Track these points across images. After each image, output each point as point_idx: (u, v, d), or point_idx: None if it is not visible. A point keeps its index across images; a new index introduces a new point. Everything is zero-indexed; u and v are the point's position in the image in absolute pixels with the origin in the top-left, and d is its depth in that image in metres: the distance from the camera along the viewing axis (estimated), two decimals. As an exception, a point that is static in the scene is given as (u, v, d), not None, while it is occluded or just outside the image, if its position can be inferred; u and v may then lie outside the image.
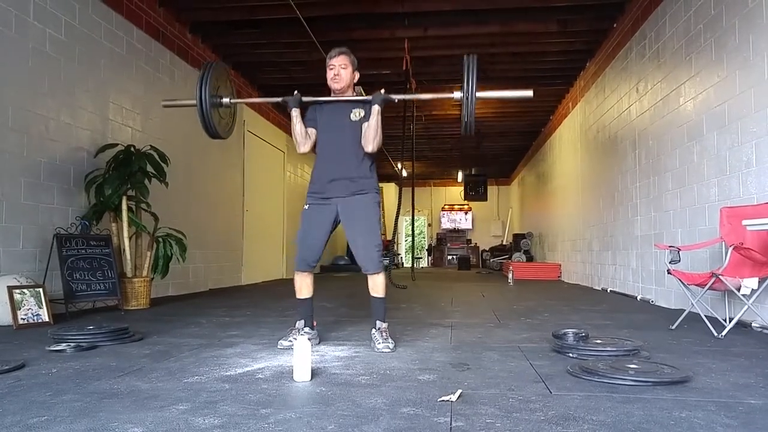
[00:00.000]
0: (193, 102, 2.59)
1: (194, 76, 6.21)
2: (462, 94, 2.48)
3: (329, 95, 2.75)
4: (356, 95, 2.77)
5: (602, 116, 6.56)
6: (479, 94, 2.49)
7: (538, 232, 11.76)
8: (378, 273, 2.64)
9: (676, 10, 4.45)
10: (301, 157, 10.44)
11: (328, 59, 2.68)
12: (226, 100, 2.75)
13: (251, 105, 7.87)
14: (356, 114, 2.67)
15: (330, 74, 2.68)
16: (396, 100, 2.70)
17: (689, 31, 4.21)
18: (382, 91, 2.62)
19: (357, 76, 2.74)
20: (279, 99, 2.71)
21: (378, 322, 2.66)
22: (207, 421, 1.49)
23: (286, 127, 9.62)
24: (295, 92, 2.67)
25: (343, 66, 2.66)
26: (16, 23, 3.72)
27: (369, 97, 2.64)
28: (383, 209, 13.31)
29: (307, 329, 2.72)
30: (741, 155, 3.50)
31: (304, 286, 2.74)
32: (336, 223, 2.72)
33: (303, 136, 2.68)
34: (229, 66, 7.05)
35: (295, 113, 2.64)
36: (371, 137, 2.61)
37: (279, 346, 2.59)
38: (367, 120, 2.64)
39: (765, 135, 3.25)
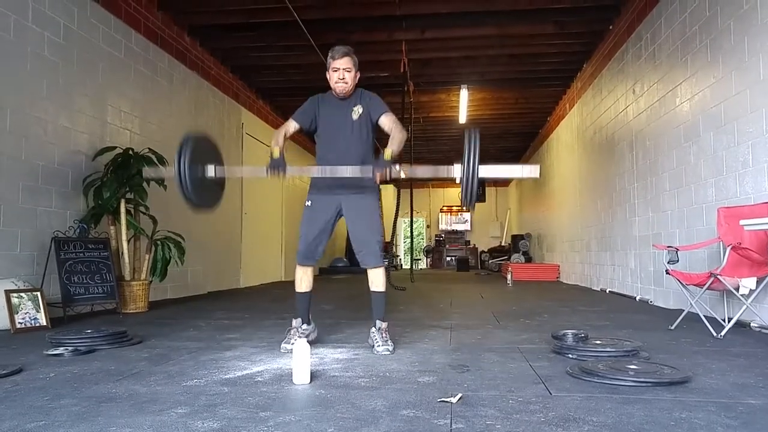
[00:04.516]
0: (172, 175, 2.36)
1: (193, 79, 6.27)
2: (462, 172, 2.16)
3: (330, 95, 2.71)
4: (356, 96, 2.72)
5: (599, 117, 6.57)
6: (481, 174, 2.15)
7: (537, 233, 11.77)
8: (378, 267, 2.64)
9: (671, 12, 4.47)
10: (300, 159, 10.44)
11: (331, 59, 2.59)
12: (210, 173, 2.48)
13: (250, 107, 7.87)
14: (356, 112, 2.64)
15: (334, 77, 2.59)
16: (395, 171, 2.41)
17: (685, 32, 4.22)
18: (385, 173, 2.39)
19: (358, 76, 2.67)
20: (263, 169, 2.48)
21: (378, 321, 2.66)
22: (206, 424, 1.49)
23: (284, 130, 9.61)
24: (282, 172, 2.47)
25: (347, 69, 2.59)
26: (14, 27, 3.71)
27: (368, 174, 2.42)
28: (382, 211, 13.31)
29: (304, 326, 2.74)
30: (737, 155, 3.51)
31: (305, 279, 2.74)
32: (338, 217, 2.72)
33: (280, 142, 2.60)
34: (227, 68, 7.08)
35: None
36: (399, 141, 2.55)
37: (282, 350, 2.59)
38: (372, 114, 2.62)
39: (761, 135, 3.26)
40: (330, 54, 2.62)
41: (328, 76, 2.66)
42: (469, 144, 2.18)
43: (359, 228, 2.66)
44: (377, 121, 2.65)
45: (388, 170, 2.38)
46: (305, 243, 2.69)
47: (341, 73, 2.58)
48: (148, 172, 2.64)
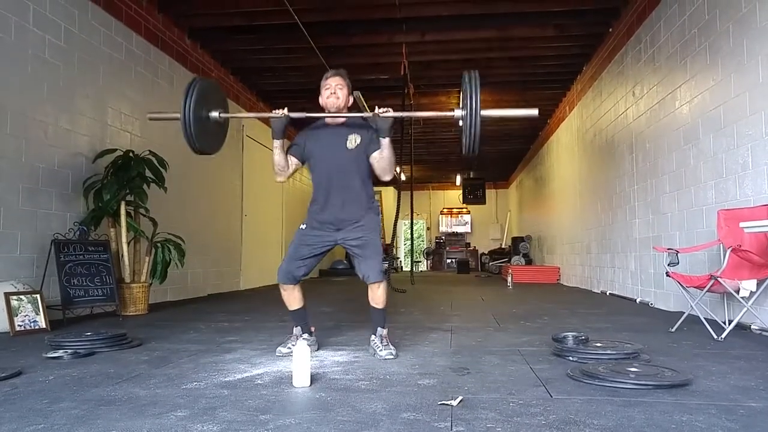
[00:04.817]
0: (178, 115, 2.39)
1: (192, 82, 6.28)
2: (464, 113, 2.19)
3: (321, 124, 2.67)
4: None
5: (599, 120, 6.58)
6: (483, 113, 2.20)
7: (537, 236, 11.77)
8: (379, 283, 2.58)
9: (670, 15, 4.47)
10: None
11: (324, 80, 2.62)
12: (214, 114, 2.55)
13: (250, 109, 7.87)
14: (352, 141, 2.56)
15: (326, 94, 2.58)
16: (395, 119, 2.49)
17: (684, 35, 4.23)
18: (383, 111, 2.41)
19: (351, 100, 2.64)
20: (269, 114, 2.54)
21: (379, 328, 2.63)
22: (206, 427, 1.49)
23: (285, 132, 9.62)
24: (284, 111, 2.49)
25: (339, 87, 2.58)
26: (15, 29, 3.72)
27: (368, 115, 2.47)
28: (382, 214, 13.31)
29: (305, 336, 2.71)
30: (737, 158, 3.51)
31: (292, 299, 2.68)
32: (332, 246, 2.67)
33: (281, 167, 2.63)
34: (228, 70, 7.09)
35: (278, 143, 2.56)
36: (388, 169, 2.55)
37: (277, 354, 2.56)
38: (369, 147, 2.55)
39: (760, 138, 3.26)
40: (323, 77, 2.64)
41: (320, 100, 2.61)
42: (470, 84, 2.18)
43: (360, 252, 2.61)
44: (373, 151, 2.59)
45: (390, 125, 2.45)
46: (288, 264, 2.63)
47: (333, 88, 2.57)
48: (154, 114, 2.72)
